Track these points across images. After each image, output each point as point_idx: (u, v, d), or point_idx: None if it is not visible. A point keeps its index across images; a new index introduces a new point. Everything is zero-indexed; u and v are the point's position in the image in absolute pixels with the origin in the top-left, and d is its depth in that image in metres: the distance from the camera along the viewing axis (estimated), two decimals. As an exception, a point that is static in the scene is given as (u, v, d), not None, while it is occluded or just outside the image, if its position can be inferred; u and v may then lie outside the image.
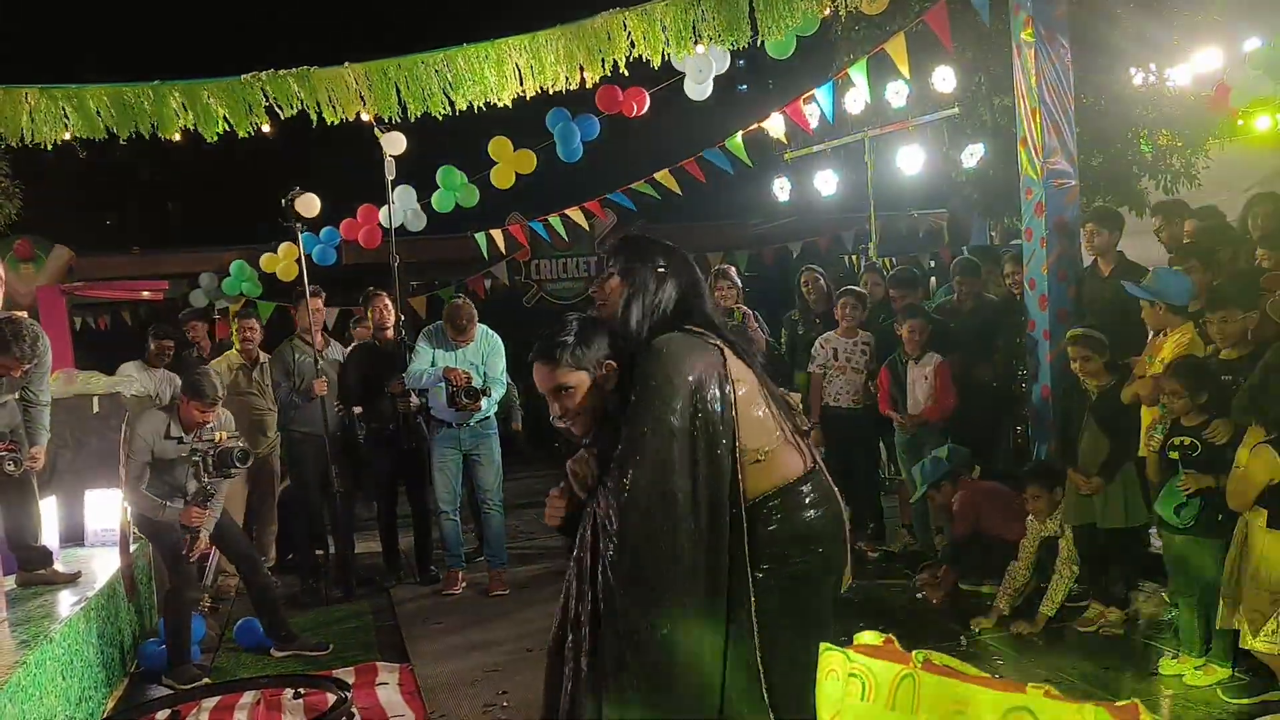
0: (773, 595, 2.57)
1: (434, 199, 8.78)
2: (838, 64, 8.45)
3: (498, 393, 6.50)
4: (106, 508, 5.95)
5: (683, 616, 2.47)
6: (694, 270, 2.79)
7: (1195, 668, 4.25)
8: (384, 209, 8.34)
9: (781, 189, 10.28)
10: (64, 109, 6.02)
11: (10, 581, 5.00)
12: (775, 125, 7.59)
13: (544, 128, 7.82)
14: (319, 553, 7.09)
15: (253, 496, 6.92)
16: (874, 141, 8.87)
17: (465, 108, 6.10)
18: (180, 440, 5.16)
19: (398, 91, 6.02)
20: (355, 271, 10.06)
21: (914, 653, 1.95)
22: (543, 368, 2.67)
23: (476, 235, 9.89)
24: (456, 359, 6.35)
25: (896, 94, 7.90)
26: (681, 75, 6.75)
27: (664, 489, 2.46)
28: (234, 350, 6.97)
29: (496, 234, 9.84)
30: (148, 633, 5.79)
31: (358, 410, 6.88)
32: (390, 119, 6.22)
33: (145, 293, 10.16)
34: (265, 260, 10.11)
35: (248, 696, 4.86)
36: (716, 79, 6.80)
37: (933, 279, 10.02)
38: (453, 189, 8.75)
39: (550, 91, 6.10)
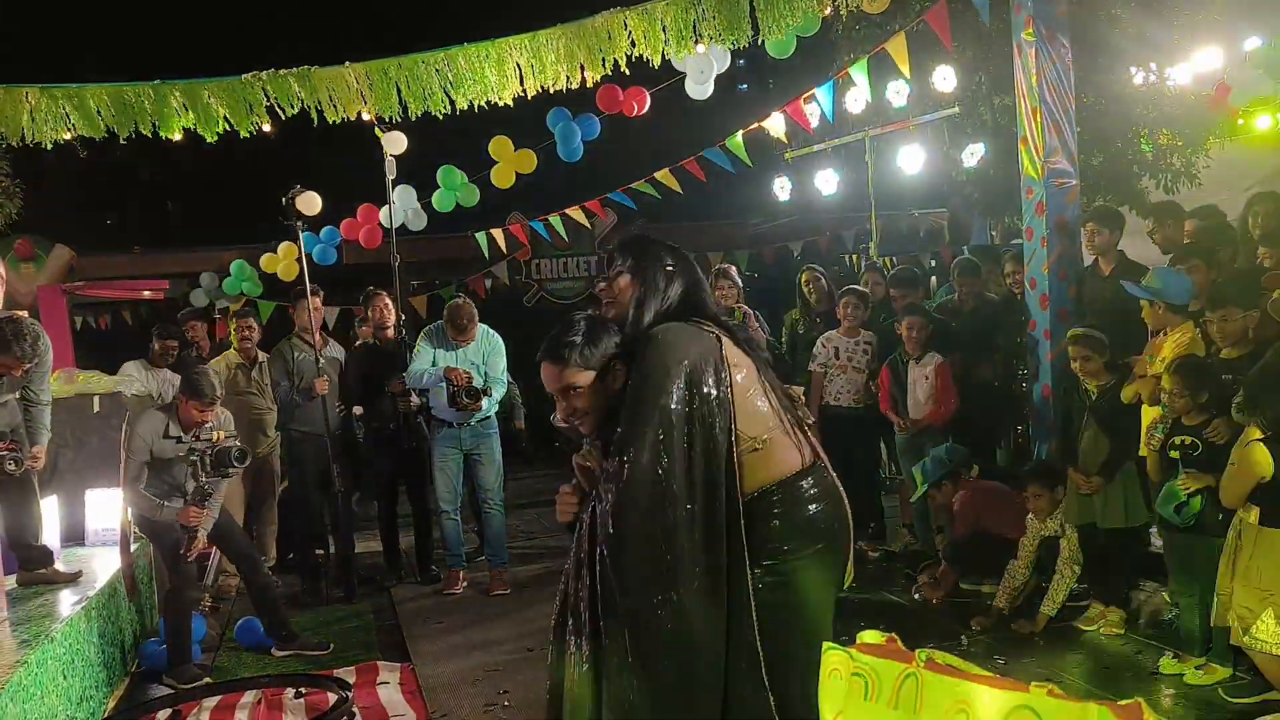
0: (774, 592, 2.57)
1: (434, 198, 8.78)
2: (838, 63, 8.45)
3: (498, 392, 6.50)
4: (107, 507, 5.95)
5: (681, 598, 2.49)
6: (696, 269, 2.83)
7: (1196, 667, 4.25)
8: (384, 208, 8.34)
9: (782, 188, 10.27)
10: (64, 108, 6.02)
11: (11, 581, 5.00)
12: (776, 124, 7.59)
13: (545, 127, 7.81)
14: (319, 552, 7.09)
15: (253, 496, 6.91)
16: (875, 141, 8.87)
17: (466, 107, 6.10)
18: (179, 440, 5.16)
19: (398, 91, 6.02)
20: (356, 271, 10.05)
21: (917, 652, 1.95)
22: (551, 367, 2.69)
23: (477, 235, 9.89)
24: (457, 359, 6.35)
25: (897, 93, 7.90)
26: (682, 75, 6.75)
27: (661, 473, 2.48)
28: (232, 350, 6.97)
29: (497, 233, 9.84)
30: (148, 632, 5.79)
31: (358, 410, 6.89)
32: (391, 118, 6.22)
33: (146, 292, 10.16)
34: (265, 260, 10.10)
35: (249, 696, 4.86)
36: (717, 78, 6.80)
37: (933, 278, 10.01)
38: (453, 188, 8.75)
39: (551, 91, 6.10)
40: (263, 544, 6.88)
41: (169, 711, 4.70)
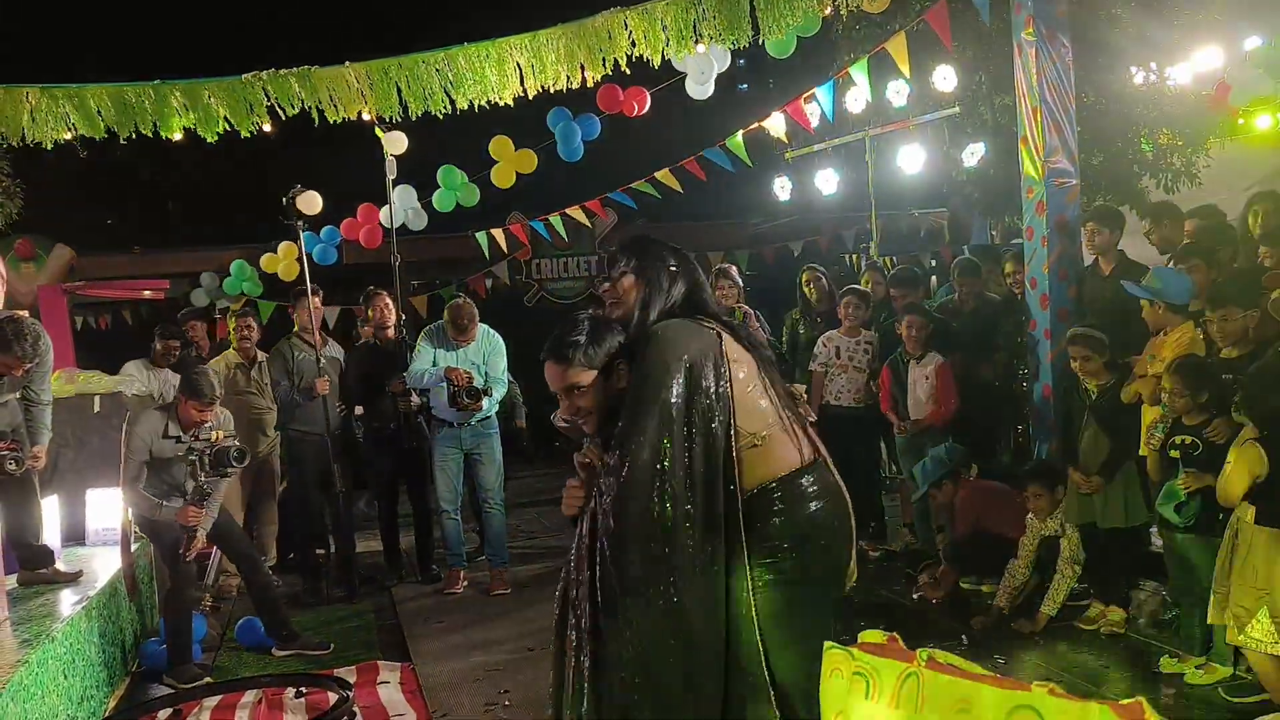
0: (775, 590, 2.58)
1: (435, 198, 8.78)
2: (838, 63, 8.45)
3: (499, 392, 6.50)
4: (108, 507, 5.96)
5: (680, 594, 2.50)
6: (698, 270, 2.87)
7: (1196, 667, 4.25)
8: (385, 208, 8.34)
9: (782, 188, 10.26)
10: (65, 108, 6.01)
11: (12, 580, 5.00)
12: (776, 124, 7.58)
13: (545, 127, 7.81)
14: (320, 552, 7.10)
15: (252, 496, 6.91)
16: (875, 140, 8.86)
17: (466, 107, 6.10)
18: (178, 440, 5.16)
19: (399, 91, 6.02)
20: (356, 271, 10.05)
21: (918, 651, 1.96)
22: (555, 367, 2.71)
23: (477, 234, 9.89)
24: (458, 358, 6.35)
25: (897, 93, 7.89)
26: (682, 75, 6.75)
27: (661, 468, 2.51)
28: (232, 349, 6.96)
29: (497, 233, 9.84)
30: (149, 632, 5.79)
31: (360, 411, 6.88)
32: (391, 118, 6.22)
33: (146, 292, 10.15)
34: (266, 260, 10.10)
35: (249, 695, 4.87)
36: (717, 78, 6.80)
37: (933, 278, 10.02)
38: (453, 188, 8.75)
39: (551, 91, 6.10)
40: (263, 544, 6.88)
41: (170, 711, 4.70)
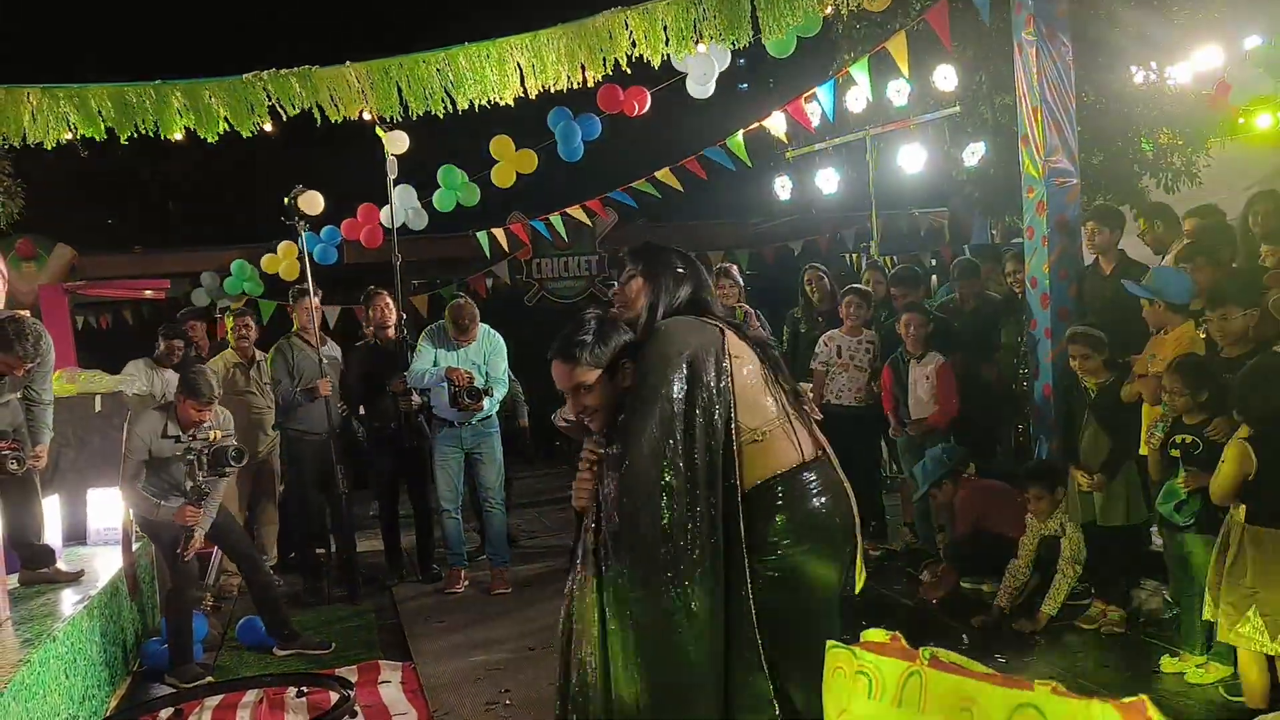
0: (778, 587, 2.59)
1: (435, 198, 8.78)
2: (839, 62, 8.47)
3: (500, 392, 6.50)
4: (109, 506, 5.96)
5: (680, 587, 2.51)
6: (704, 273, 2.91)
7: (1197, 666, 4.25)
8: (385, 208, 8.34)
9: (783, 187, 10.27)
10: (65, 109, 6.01)
11: (13, 580, 5.00)
12: (776, 123, 7.59)
13: (545, 126, 7.82)
14: (320, 551, 7.10)
15: (252, 495, 6.92)
16: (875, 140, 8.87)
17: (467, 106, 6.10)
18: (177, 439, 5.16)
19: (399, 90, 6.02)
20: (356, 271, 10.06)
21: (921, 650, 1.95)
22: (562, 366, 2.73)
23: (478, 234, 9.89)
24: (458, 358, 6.35)
25: (898, 92, 7.89)
26: (683, 74, 6.75)
27: (661, 461, 2.52)
28: (230, 349, 6.96)
29: (498, 233, 9.84)
30: (150, 631, 5.80)
31: (361, 411, 6.88)
32: (392, 118, 6.22)
33: (147, 292, 10.15)
34: (266, 261, 10.10)
35: (250, 695, 4.87)
36: (717, 77, 6.80)
37: (934, 277, 10.02)
38: (454, 188, 8.75)
39: (552, 91, 6.10)
40: (263, 543, 6.88)
41: (171, 710, 4.70)
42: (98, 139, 6.12)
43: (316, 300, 6.78)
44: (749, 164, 7.89)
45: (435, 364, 6.32)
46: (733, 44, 5.76)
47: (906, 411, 6.16)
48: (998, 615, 5.08)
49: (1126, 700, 1.69)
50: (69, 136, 6.08)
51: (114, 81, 6.13)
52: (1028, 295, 5.90)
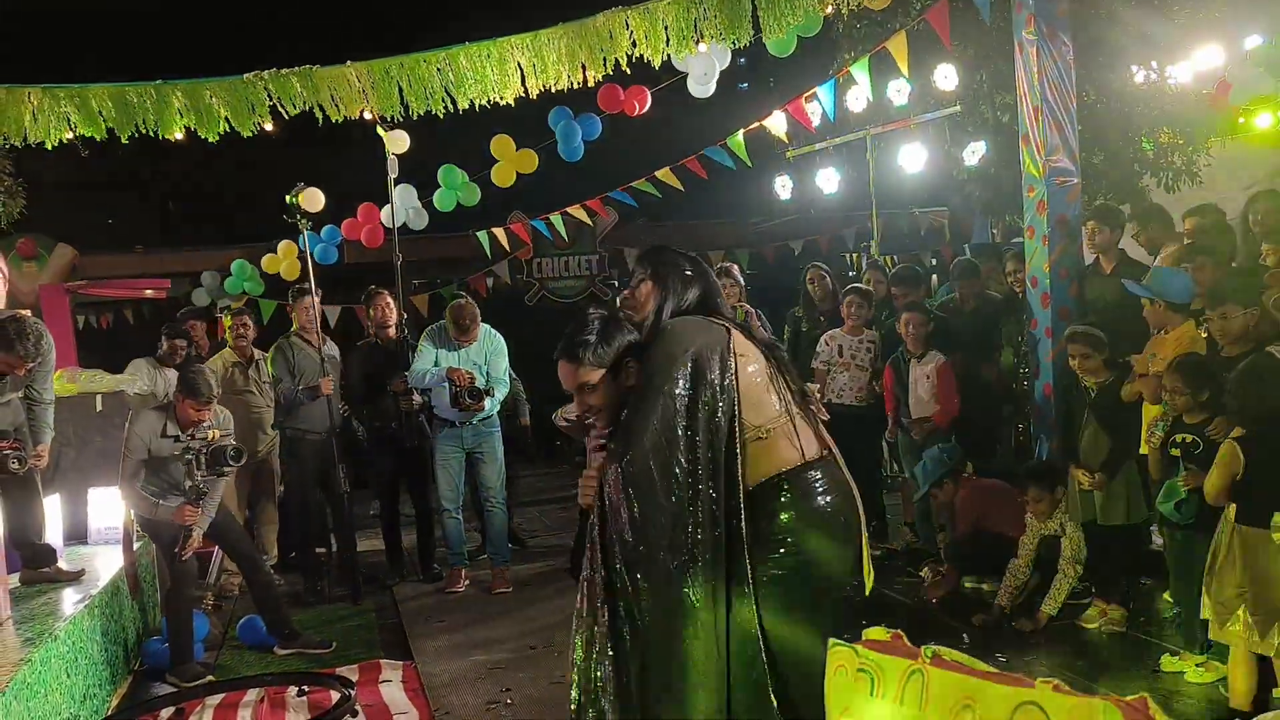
0: (781, 584, 2.60)
1: (436, 198, 8.78)
2: (839, 62, 8.46)
3: (501, 392, 6.50)
4: (110, 506, 5.97)
5: (682, 581, 2.53)
6: (712, 275, 2.97)
7: (1196, 665, 4.25)
8: (386, 208, 8.34)
9: (783, 187, 10.27)
10: (66, 108, 6.02)
11: (15, 579, 5.01)
12: (777, 123, 7.58)
13: (546, 126, 7.82)
14: (321, 551, 7.10)
15: (252, 495, 6.92)
16: (876, 139, 8.87)
17: (467, 106, 6.10)
18: (176, 439, 5.16)
19: (400, 90, 6.02)
20: (357, 270, 10.06)
21: (923, 648, 1.96)
22: (566, 366, 2.77)
23: (478, 234, 9.89)
24: (459, 359, 6.35)
25: (898, 92, 7.89)
26: (683, 74, 6.75)
27: (664, 456, 2.55)
28: (228, 348, 6.96)
29: (498, 232, 9.84)
30: (151, 630, 5.81)
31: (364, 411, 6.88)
32: (392, 118, 6.22)
33: (148, 291, 10.15)
34: (267, 261, 10.09)
35: (251, 694, 4.87)
36: (718, 77, 6.80)
37: (934, 277, 10.02)
38: (454, 187, 8.74)
39: (552, 90, 6.10)
40: (263, 542, 6.89)
41: (172, 709, 4.71)
42: (98, 139, 6.12)
43: (317, 299, 6.78)
44: (749, 164, 7.89)
45: (436, 364, 6.32)
46: (733, 43, 5.76)
47: (907, 411, 6.16)
48: (998, 614, 5.08)
49: (1129, 698, 1.69)
50: (69, 136, 6.08)
51: (114, 81, 6.13)
52: (1028, 294, 5.90)
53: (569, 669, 2.78)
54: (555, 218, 9.57)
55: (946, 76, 7.42)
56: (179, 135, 6.16)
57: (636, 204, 8.83)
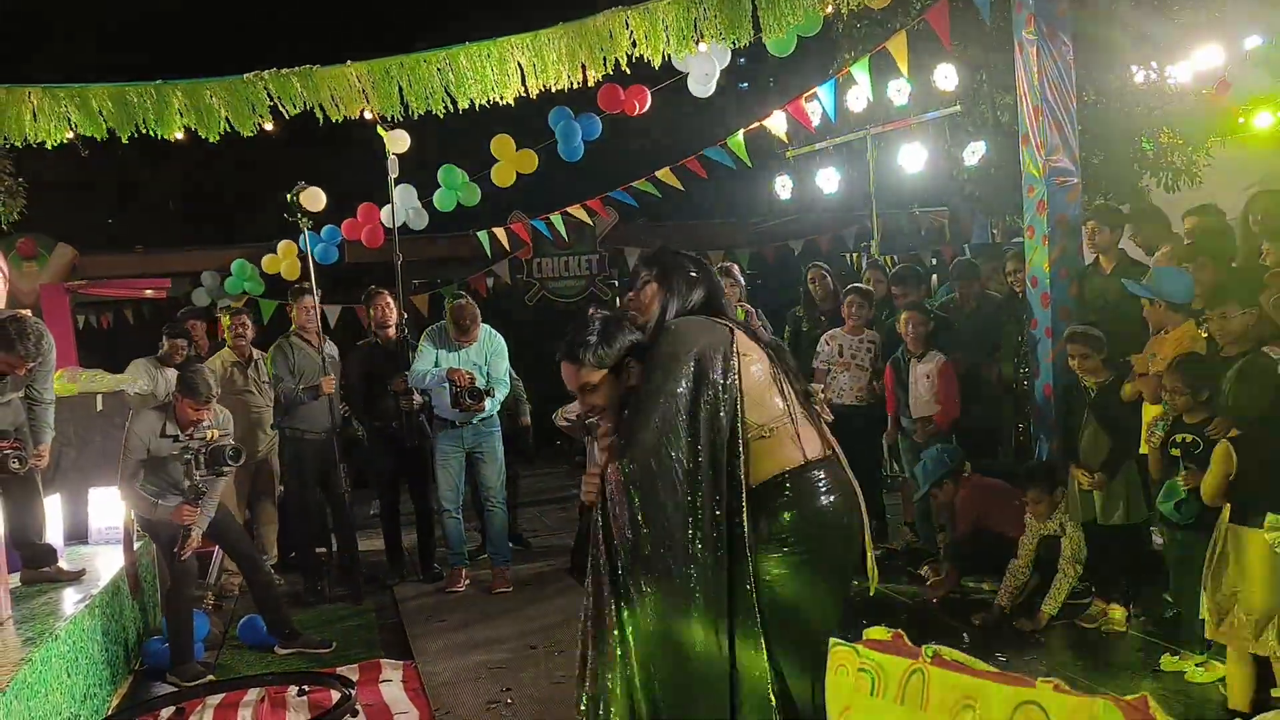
0: (783, 583, 2.60)
1: (436, 197, 8.78)
2: (839, 61, 8.46)
3: (501, 393, 6.50)
4: (110, 506, 5.97)
5: (683, 579, 2.53)
6: (715, 277, 2.99)
7: (1196, 665, 4.25)
8: (386, 208, 8.34)
9: (783, 187, 10.27)
10: (66, 108, 6.02)
11: (15, 579, 5.01)
12: (777, 123, 7.58)
13: (546, 126, 7.82)
14: (321, 551, 7.10)
15: (251, 494, 6.92)
16: (876, 139, 8.87)
17: (467, 106, 6.10)
18: (175, 438, 5.16)
19: (400, 90, 6.02)
20: (357, 270, 10.06)
21: (923, 647, 1.96)
22: (569, 367, 2.78)
23: (479, 234, 9.89)
24: (460, 359, 6.35)
25: (898, 91, 7.89)
26: (683, 74, 6.75)
27: (665, 455, 2.56)
28: (227, 348, 6.96)
29: (499, 232, 9.84)
30: (152, 630, 5.81)
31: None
32: (393, 117, 6.22)
33: (148, 291, 10.15)
34: (267, 261, 10.09)
35: (252, 694, 4.87)
36: (718, 76, 6.80)
37: (934, 276, 10.02)
38: (454, 187, 8.74)
39: (552, 90, 6.11)
40: (263, 542, 6.89)
41: (172, 709, 4.71)
42: (98, 139, 6.13)
43: (317, 299, 6.78)
44: (749, 164, 7.89)
45: (437, 365, 6.32)
46: (733, 43, 5.76)
47: (908, 411, 6.16)
48: (998, 614, 5.08)
49: (1129, 698, 1.70)
50: (70, 136, 6.08)
51: (114, 81, 6.13)
52: (1028, 294, 5.90)
53: (575, 667, 2.78)
54: (555, 218, 9.56)
55: (946, 76, 7.42)
56: (179, 135, 6.17)
57: (636, 204, 8.83)
